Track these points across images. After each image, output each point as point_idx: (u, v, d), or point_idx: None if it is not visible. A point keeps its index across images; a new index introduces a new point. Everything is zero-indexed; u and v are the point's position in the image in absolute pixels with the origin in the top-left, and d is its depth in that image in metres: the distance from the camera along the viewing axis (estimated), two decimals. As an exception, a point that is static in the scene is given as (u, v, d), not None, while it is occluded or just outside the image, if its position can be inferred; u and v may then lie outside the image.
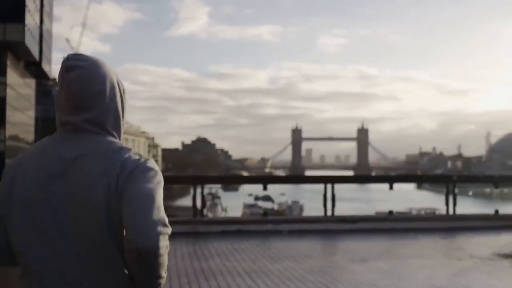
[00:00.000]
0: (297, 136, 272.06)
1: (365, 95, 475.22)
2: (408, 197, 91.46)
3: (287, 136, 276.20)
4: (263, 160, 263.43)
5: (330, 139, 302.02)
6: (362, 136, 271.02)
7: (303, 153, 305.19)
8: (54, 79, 76.55)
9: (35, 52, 35.91)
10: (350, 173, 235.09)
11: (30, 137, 43.99)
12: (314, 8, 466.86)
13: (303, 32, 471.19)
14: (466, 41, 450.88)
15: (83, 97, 1.89)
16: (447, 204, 14.01)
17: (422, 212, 68.78)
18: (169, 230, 1.75)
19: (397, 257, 9.58)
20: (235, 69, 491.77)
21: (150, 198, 1.77)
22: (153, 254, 1.70)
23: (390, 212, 14.07)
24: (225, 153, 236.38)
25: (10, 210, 1.87)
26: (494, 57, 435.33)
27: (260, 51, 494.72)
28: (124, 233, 1.77)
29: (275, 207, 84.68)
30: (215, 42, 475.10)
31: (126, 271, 1.82)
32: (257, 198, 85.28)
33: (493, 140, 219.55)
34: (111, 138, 1.92)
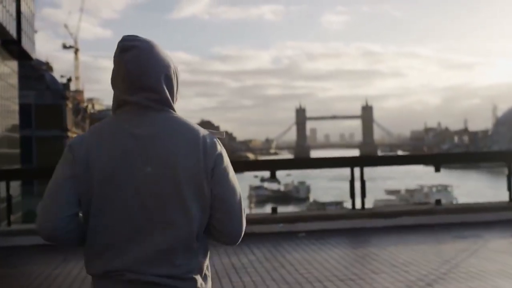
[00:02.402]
0: (301, 116, 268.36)
1: (369, 72, 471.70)
2: (414, 174, 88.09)
3: (291, 116, 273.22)
4: (268, 141, 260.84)
5: (334, 117, 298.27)
6: (366, 113, 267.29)
7: (308, 132, 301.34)
8: (47, 62, 73.39)
9: (11, 29, 32.67)
10: (355, 151, 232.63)
11: (14, 122, 40.66)
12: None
13: (306, 11, 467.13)
14: (470, 14, 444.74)
15: (141, 77, 1.96)
16: (509, 188, 10.76)
17: (434, 190, 65.75)
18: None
19: (479, 277, 6.37)
20: (238, 50, 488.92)
21: (237, 192, 2.01)
22: (238, 241, 2.05)
23: (438, 202, 10.73)
24: (229, 135, 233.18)
25: (90, 186, 1.93)
26: (499, 30, 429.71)
27: (263, 31, 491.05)
28: (215, 219, 1.99)
29: (282, 188, 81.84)
30: (217, 23, 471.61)
31: (205, 242, 2.02)
32: (263, 179, 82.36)
33: (499, 113, 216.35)
34: (178, 115, 2.01)
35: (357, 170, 10.49)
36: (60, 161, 2.02)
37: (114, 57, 1.99)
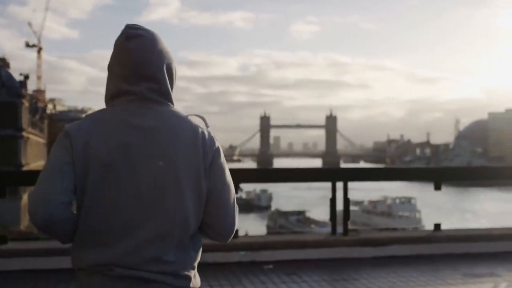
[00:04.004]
0: (265, 124, 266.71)
1: (336, 82, 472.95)
2: (376, 185, 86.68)
3: (256, 123, 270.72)
4: (231, 148, 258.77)
5: (299, 126, 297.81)
6: (330, 123, 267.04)
7: (272, 140, 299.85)
8: (4, 58, 70.26)
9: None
10: (318, 160, 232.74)
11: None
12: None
13: (276, 19, 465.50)
14: (436, 29, 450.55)
15: (144, 66, 1.95)
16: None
17: (397, 201, 64.53)
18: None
19: None
20: (206, 56, 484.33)
21: (231, 189, 2.02)
22: (229, 238, 2.05)
23: (437, 227, 8.62)
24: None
25: (87, 175, 1.89)
26: (463, 45, 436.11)
27: (232, 38, 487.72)
28: (209, 215, 1.97)
29: (243, 196, 79.90)
30: (186, 28, 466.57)
31: (198, 239, 2.00)
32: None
33: (461, 127, 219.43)
34: (177, 109, 2.02)
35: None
36: (56, 146, 1.95)
37: (117, 43, 1.97)
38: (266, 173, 8.79)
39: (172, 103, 2.01)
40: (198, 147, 1.92)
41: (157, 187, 1.87)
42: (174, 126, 1.93)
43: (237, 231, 8.07)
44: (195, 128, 1.96)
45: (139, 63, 1.93)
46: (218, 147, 1.99)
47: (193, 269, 1.95)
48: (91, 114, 2.01)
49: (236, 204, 2.01)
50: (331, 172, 8.86)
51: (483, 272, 7.02)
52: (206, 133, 1.97)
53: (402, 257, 7.73)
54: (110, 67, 2.00)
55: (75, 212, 1.95)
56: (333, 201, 8.12)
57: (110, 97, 1.99)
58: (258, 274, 6.89)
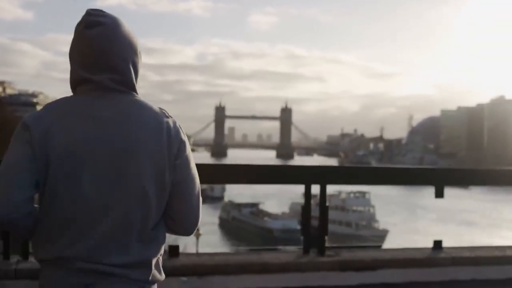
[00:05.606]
0: (220, 114, 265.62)
1: (292, 75, 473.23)
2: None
3: (211, 113, 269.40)
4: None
5: (254, 117, 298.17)
6: (285, 115, 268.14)
7: (226, 131, 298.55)
8: None
9: None
10: (272, 152, 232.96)
11: None
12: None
13: (235, 9, 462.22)
14: (392, 23, 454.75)
15: (106, 55, 1.87)
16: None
17: (352, 196, 63.64)
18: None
19: None
20: (163, 43, 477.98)
21: (196, 182, 1.99)
22: (193, 232, 2.04)
23: (437, 244, 6.65)
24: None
25: (47, 168, 1.83)
26: (418, 40, 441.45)
27: (190, 26, 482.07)
28: (171, 208, 1.94)
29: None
30: (144, 14, 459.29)
31: (160, 232, 1.94)
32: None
33: (414, 123, 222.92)
34: (141, 99, 1.95)
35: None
36: (14, 139, 1.87)
37: (77, 30, 1.88)
38: (228, 170, 6.77)
39: (136, 93, 1.94)
40: (163, 137, 1.86)
41: (118, 179, 1.82)
42: (137, 116, 1.86)
43: (177, 247, 6.21)
44: (160, 118, 1.89)
45: (100, 53, 1.85)
46: (184, 139, 1.94)
47: (155, 262, 1.91)
48: (50, 103, 1.93)
49: (200, 198, 1.98)
50: (306, 172, 6.83)
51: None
52: (171, 123, 1.91)
53: (394, 285, 5.90)
54: (71, 54, 1.92)
55: (36, 205, 1.88)
56: (306, 209, 6.18)
57: (73, 84, 1.92)
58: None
